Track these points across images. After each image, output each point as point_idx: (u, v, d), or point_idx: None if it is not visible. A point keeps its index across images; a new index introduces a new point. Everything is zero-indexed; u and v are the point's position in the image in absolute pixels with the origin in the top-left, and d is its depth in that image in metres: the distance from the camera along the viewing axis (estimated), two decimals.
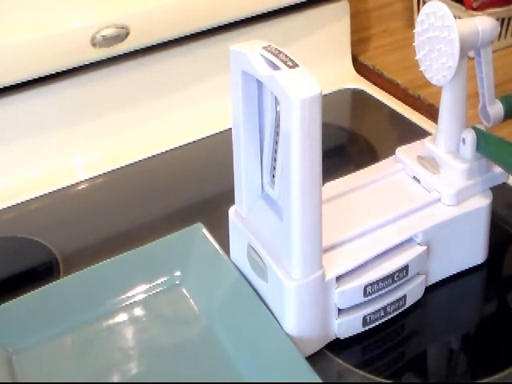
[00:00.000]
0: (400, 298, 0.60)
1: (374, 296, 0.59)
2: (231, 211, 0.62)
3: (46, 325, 0.61)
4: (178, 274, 0.65)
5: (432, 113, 0.86)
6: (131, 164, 0.83)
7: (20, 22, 0.77)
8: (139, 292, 0.64)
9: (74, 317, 0.62)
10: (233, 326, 0.60)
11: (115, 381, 0.58)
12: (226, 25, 0.88)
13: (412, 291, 0.61)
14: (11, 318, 0.60)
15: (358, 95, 0.94)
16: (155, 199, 0.78)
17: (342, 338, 0.59)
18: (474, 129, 0.62)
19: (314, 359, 0.57)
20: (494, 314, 0.63)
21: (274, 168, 0.58)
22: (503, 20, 0.96)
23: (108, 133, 0.85)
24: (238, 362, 0.58)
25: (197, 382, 0.57)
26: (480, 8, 0.93)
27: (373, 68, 0.98)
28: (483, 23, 0.59)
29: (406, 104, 0.91)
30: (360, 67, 0.99)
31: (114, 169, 0.83)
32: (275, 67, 0.51)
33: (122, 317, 0.62)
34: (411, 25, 1.02)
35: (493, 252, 0.66)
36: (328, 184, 0.64)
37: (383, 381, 0.57)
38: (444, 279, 0.64)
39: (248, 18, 0.89)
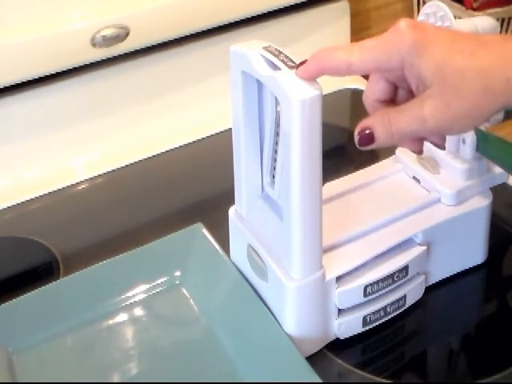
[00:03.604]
0: (400, 298, 0.60)
1: (374, 296, 0.59)
2: (231, 211, 0.62)
3: (46, 325, 0.61)
4: (177, 274, 0.65)
5: None
6: (131, 164, 0.83)
7: (20, 22, 0.77)
8: (139, 292, 0.64)
9: (74, 317, 0.62)
10: (233, 325, 0.60)
11: (115, 381, 0.58)
12: (226, 25, 0.88)
13: (412, 291, 0.61)
14: (11, 318, 0.60)
15: (358, 95, 0.94)
16: (155, 199, 0.78)
17: (342, 338, 0.59)
18: (474, 129, 0.62)
19: (314, 359, 0.57)
20: (494, 314, 0.63)
21: (274, 168, 0.58)
22: (503, 20, 0.96)
23: (108, 133, 0.85)
24: (238, 361, 0.58)
25: (197, 382, 0.57)
26: (480, 8, 0.93)
27: None
28: (483, 23, 0.59)
29: None
30: None
31: (114, 169, 0.83)
32: (275, 67, 0.51)
33: (122, 317, 0.62)
34: None
35: (493, 252, 0.66)
36: (328, 184, 0.64)
37: (383, 381, 0.57)
38: (444, 279, 0.64)
39: (248, 18, 0.89)
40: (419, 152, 0.51)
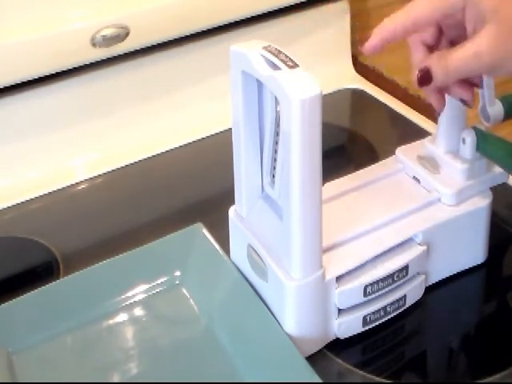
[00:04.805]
0: (400, 298, 0.60)
1: (373, 296, 0.59)
2: (231, 211, 0.62)
3: (46, 325, 0.61)
4: (177, 273, 0.65)
5: (432, 113, 0.86)
6: (131, 164, 0.83)
7: (20, 21, 0.77)
8: (139, 292, 0.64)
9: (74, 317, 0.62)
10: (233, 325, 0.60)
11: (115, 381, 0.58)
12: (226, 25, 0.88)
13: (412, 291, 0.61)
14: (11, 318, 0.60)
15: (358, 95, 0.94)
16: (155, 199, 0.78)
17: (342, 338, 0.59)
18: (474, 129, 0.62)
19: (314, 359, 0.57)
20: (494, 314, 0.63)
21: (274, 168, 0.58)
22: None
23: (108, 133, 0.85)
24: (238, 361, 0.58)
25: (197, 382, 0.57)
26: None
27: (373, 68, 0.98)
28: None
29: (406, 104, 0.91)
30: (360, 67, 0.99)
31: (113, 169, 0.83)
32: (275, 67, 0.51)
33: (122, 317, 0.62)
34: None
35: (493, 252, 0.66)
36: (328, 184, 0.64)
37: (383, 381, 0.57)
38: (444, 279, 0.64)
39: (248, 18, 0.89)
40: (470, 103, 0.55)
